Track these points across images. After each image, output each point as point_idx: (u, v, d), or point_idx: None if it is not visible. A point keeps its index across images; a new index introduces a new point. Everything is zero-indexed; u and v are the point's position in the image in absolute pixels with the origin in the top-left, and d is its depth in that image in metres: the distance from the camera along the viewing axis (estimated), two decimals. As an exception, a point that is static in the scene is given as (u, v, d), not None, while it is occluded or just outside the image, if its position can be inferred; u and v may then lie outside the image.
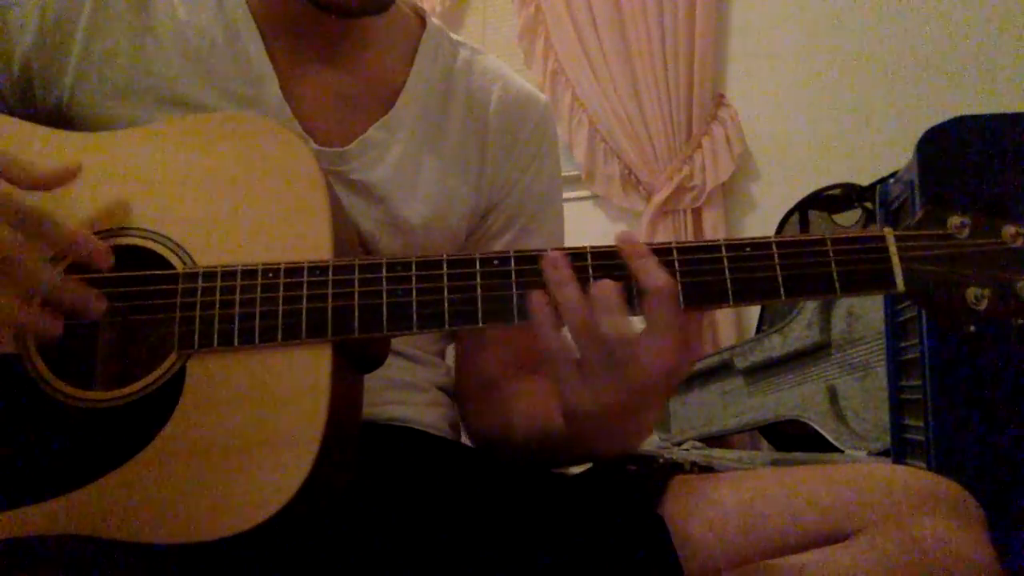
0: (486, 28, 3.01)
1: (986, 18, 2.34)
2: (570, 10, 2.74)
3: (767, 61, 2.63)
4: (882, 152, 2.29)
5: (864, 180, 2.18)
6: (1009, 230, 0.57)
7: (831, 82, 2.53)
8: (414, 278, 0.57)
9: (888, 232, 0.57)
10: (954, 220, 0.57)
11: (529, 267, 0.58)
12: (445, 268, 0.58)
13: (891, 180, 1.28)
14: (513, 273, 0.57)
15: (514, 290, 0.57)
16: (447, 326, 0.57)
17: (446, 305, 0.57)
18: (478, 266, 0.58)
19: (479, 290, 0.57)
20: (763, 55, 2.64)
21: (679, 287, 0.55)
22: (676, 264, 0.57)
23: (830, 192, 2.28)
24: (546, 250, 0.58)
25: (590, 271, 0.57)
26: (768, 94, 2.61)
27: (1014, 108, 1.13)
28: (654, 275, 0.55)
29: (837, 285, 0.56)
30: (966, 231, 0.57)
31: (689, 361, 0.57)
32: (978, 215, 0.57)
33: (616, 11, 2.68)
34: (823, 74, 2.55)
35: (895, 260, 0.57)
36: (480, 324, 0.57)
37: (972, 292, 0.56)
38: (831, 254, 0.57)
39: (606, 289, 0.55)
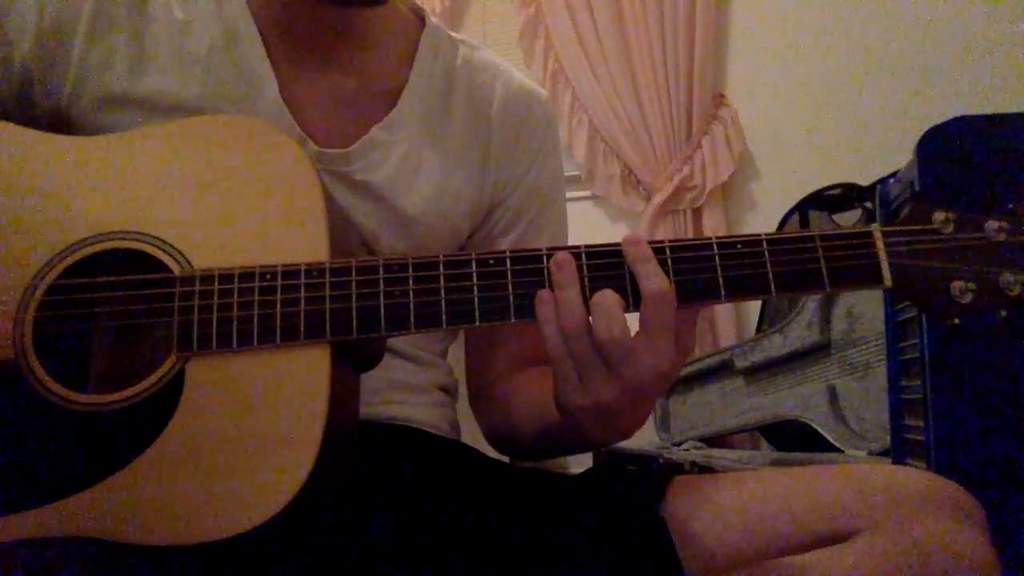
0: (486, 28, 3.01)
1: (986, 18, 2.34)
2: (570, 10, 2.74)
3: (767, 61, 2.63)
4: (882, 152, 2.29)
5: (864, 180, 2.18)
6: (992, 225, 0.58)
7: (831, 82, 2.53)
8: (411, 279, 0.58)
9: (875, 228, 0.58)
10: (939, 216, 0.59)
11: (526, 267, 0.58)
12: (442, 268, 0.58)
13: (891, 180, 1.28)
14: (509, 273, 0.58)
15: (510, 290, 0.58)
16: (445, 326, 0.57)
17: (443, 305, 0.57)
18: (475, 266, 0.58)
19: (476, 290, 0.58)
20: (763, 55, 2.64)
21: (674, 291, 0.56)
22: (669, 262, 0.58)
23: (830, 192, 2.28)
24: (540, 249, 0.59)
25: (585, 270, 0.58)
26: (768, 94, 2.61)
27: (1014, 108, 1.13)
28: (654, 280, 0.56)
29: (826, 281, 0.57)
30: (951, 226, 0.58)
31: (682, 360, 0.59)
32: (962, 211, 0.59)
33: (616, 11, 2.68)
34: (823, 74, 2.55)
35: (882, 256, 0.58)
36: (477, 323, 0.57)
37: (957, 286, 0.57)
38: (820, 250, 0.58)
39: (607, 296, 0.56)
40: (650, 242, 0.58)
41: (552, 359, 0.58)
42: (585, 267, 0.58)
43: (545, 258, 0.58)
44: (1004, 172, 1.07)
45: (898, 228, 0.59)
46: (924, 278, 0.58)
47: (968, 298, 0.57)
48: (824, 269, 0.57)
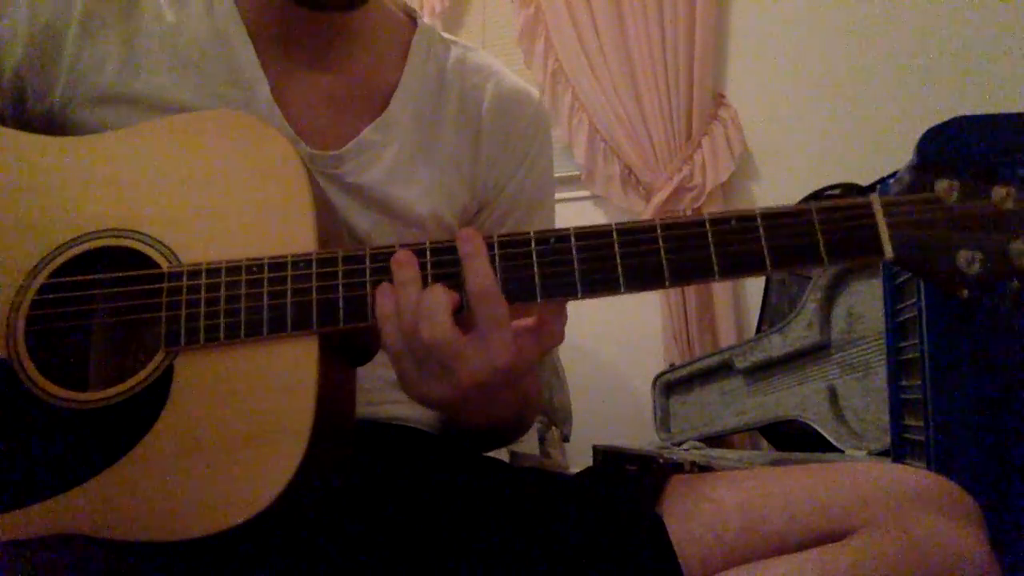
0: (486, 28, 3.01)
1: (987, 18, 2.34)
2: (570, 10, 2.74)
3: (767, 61, 2.63)
4: (882, 152, 2.29)
5: (864, 180, 2.17)
6: (999, 192, 0.55)
7: (831, 82, 2.53)
8: None
9: (874, 198, 0.56)
10: (943, 184, 0.56)
11: (510, 251, 0.57)
12: (428, 256, 0.57)
13: (891, 180, 1.28)
14: (497, 258, 0.57)
15: (498, 275, 0.57)
16: None
17: None
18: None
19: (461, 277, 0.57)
20: (763, 55, 2.64)
21: (501, 288, 0.55)
22: (660, 241, 0.56)
23: (830, 192, 2.27)
24: (528, 233, 0.57)
25: (429, 267, 0.57)
26: (768, 94, 2.61)
27: (1014, 108, 1.13)
28: (476, 278, 0.55)
29: (824, 254, 0.55)
30: (955, 194, 0.56)
31: (538, 352, 0.58)
32: (967, 178, 0.56)
33: (616, 11, 2.68)
34: (823, 74, 2.54)
35: (882, 226, 0.55)
36: (464, 311, 0.57)
37: (964, 256, 0.55)
38: (817, 223, 0.55)
39: (433, 295, 0.55)
40: (637, 223, 0.57)
41: (390, 355, 0.57)
42: (430, 264, 0.57)
43: (534, 242, 0.57)
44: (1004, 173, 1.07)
45: (899, 198, 0.56)
46: (928, 248, 0.55)
47: (976, 268, 0.54)
48: (821, 242, 0.55)
